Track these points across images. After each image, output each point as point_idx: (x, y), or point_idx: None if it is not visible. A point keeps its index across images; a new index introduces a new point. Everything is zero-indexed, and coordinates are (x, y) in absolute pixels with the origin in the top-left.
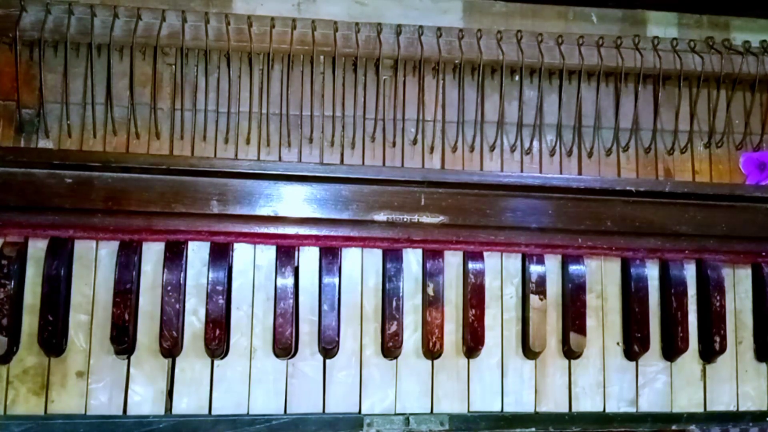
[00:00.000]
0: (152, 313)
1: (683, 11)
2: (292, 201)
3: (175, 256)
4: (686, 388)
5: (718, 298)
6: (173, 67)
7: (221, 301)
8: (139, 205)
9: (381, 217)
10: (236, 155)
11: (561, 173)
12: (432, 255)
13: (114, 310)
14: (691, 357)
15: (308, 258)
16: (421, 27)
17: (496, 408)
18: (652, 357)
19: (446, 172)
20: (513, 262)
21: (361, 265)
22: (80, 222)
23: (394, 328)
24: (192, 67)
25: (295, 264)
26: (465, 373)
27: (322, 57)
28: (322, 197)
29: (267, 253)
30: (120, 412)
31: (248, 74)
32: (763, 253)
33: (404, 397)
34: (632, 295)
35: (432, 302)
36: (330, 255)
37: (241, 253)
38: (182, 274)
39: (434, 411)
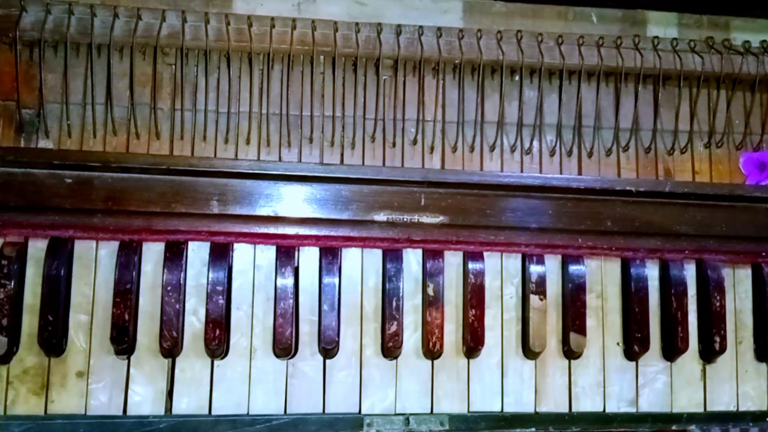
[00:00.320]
0: (152, 313)
1: (683, 11)
2: (292, 201)
3: (175, 256)
4: (686, 388)
5: (718, 298)
6: (173, 67)
7: (221, 301)
8: (139, 205)
9: (381, 217)
10: (236, 155)
11: (561, 173)
12: (432, 255)
13: (114, 310)
14: (691, 357)
15: (308, 258)
16: (421, 27)
17: (496, 408)
18: (652, 357)
19: (446, 172)
20: (513, 262)
21: (361, 265)
22: (80, 222)
23: (394, 328)
24: (192, 67)
25: (295, 264)
26: (465, 373)
27: (322, 57)
28: (322, 197)
29: (267, 253)
30: (120, 412)
31: (248, 74)
32: (763, 253)
33: (404, 397)
34: (632, 295)
35: (432, 302)
36: (330, 255)
37: (241, 253)
38: (182, 274)
39: (434, 411)
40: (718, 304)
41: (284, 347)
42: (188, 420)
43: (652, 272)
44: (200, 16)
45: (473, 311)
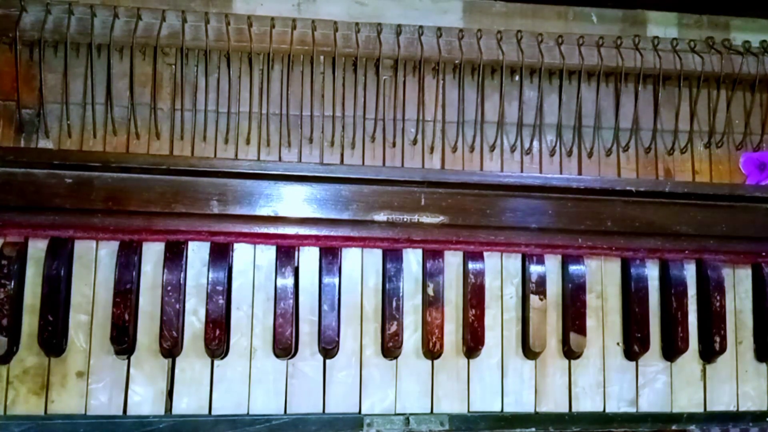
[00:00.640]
0: (152, 313)
1: (683, 11)
2: (292, 201)
3: (175, 256)
4: (686, 388)
5: (718, 298)
6: (173, 67)
7: (221, 301)
8: (139, 205)
9: (381, 217)
10: (236, 155)
11: (561, 173)
12: (432, 255)
13: (114, 310)
14: (691, 357)
15: (308, 258)
16: (421, 27)
17: (496, 408)
18: (652, 357)
19: (446, 172)
20: (513, 262)
21: (361, 265)
22: (80, 222)
23: (394, 328)
24: (192, 67)
25: (295, 264)
26: (465, 373)
27: (322, 57)
28: (322, 197)
29: (267, 253)
30: (120, 412)
31: (248, 74)
32: (763, 253)
33: (404, 397)
34: (632, 295)
35: (432, 302)
36: (330, 255)
37: (241, 253)
38: (182, 274)
39: (434, 411)
40: (718, 304)
41: (284, 347)
42: (188, 420)
43: (652, 272)
44: (200, 16)
45: (473, 311)
